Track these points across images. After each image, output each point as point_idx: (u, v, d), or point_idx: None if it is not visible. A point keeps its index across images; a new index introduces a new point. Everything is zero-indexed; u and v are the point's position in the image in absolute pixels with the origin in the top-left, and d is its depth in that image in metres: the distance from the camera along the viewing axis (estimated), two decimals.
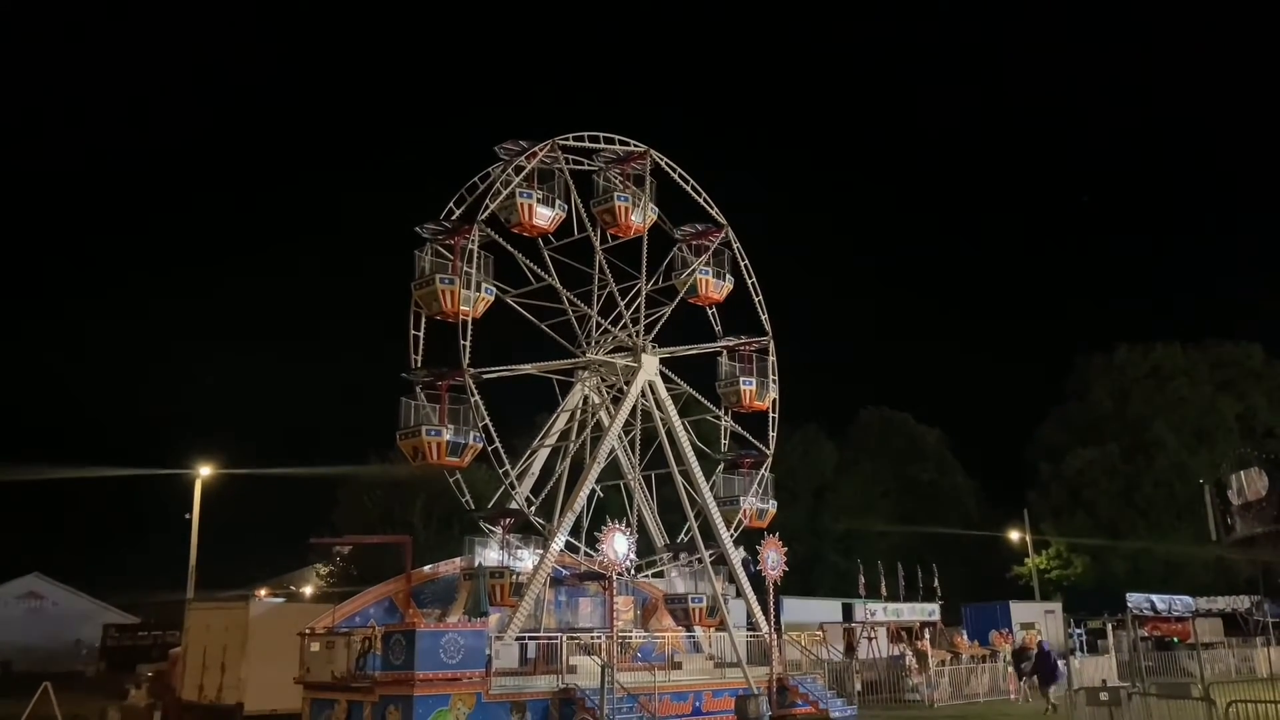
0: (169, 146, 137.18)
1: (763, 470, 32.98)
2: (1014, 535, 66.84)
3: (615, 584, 25.89)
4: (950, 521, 68.22)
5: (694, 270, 32.97)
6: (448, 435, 27.45)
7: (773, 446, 33.30)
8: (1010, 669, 37.73)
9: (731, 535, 31.34)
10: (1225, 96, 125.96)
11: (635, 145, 31.86)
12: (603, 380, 31.87)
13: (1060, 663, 32.00)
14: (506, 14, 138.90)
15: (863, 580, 43.69)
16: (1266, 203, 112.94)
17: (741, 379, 33.03)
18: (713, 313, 34.13)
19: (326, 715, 23.49)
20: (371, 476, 55.73)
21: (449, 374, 27.68)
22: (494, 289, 29.69)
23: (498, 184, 29.65)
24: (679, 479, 31.11)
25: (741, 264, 33.79)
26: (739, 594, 31.42)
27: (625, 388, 30.87)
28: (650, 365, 31.07)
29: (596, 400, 31.70)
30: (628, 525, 26.74)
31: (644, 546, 30.43)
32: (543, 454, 31.01)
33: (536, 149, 30.12)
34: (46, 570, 65.78)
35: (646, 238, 31.89)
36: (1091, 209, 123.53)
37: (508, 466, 28.13)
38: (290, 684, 24.40)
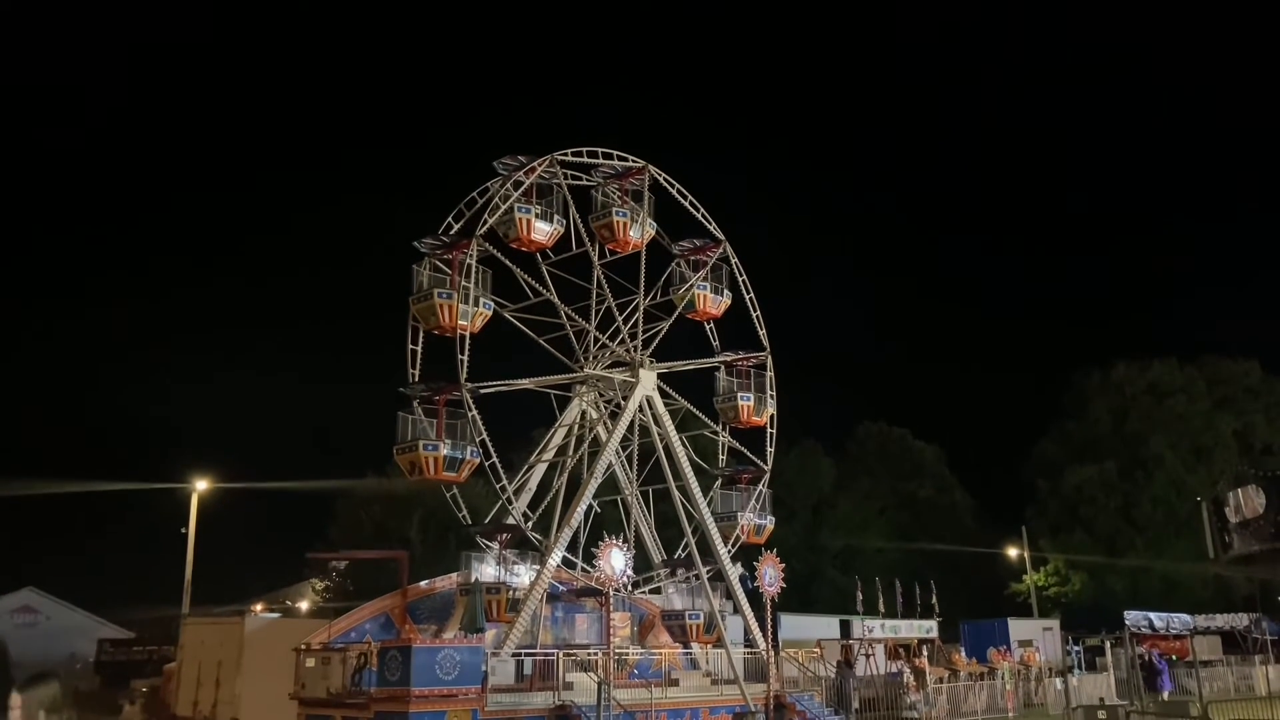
0: (163, 148, 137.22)
1: (760, 486, 32.96)
2: (1012, 552, 66.77)
3: (612, 600, 25.80)
4: (948, 538, 68.06)
5: (692, 285, 33.01)
6: (445, 450, 27.44)
7: (770, 462, 33.30)
8: (1009, 686, 37.65)
9: (729, 551, 31.30)
10: (1225, 109, 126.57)
11: (634, 161, 31.96)
12: (600, 395, 31.88)
13: (1165, 675, 32.26)
14: (507, 26, 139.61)
15: (860, 597, 43.58)
16: (1265, 219, 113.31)
17: (739, 394, 33.05)
18: (711, 328, 34.16)
19: None
20: (368, 491, 55.64)
21: (446, 388, 27.71)
22: (492, 304, 29.73)
23: (496, 199, 29.74)
24: (676, 494, 31.07)
25: (739, 279, 33.86)
26: (736, 610, 31.35)
27: (623, 403, 30.87)
28: (648, 380, 31.08)
29: (594, 415, 31.70)
30: (625, 541, 26.66)
31: (641, 562, 30.36)
32: (540, 469, 31.00)
33: (535, 164, 30.23)
34: (41, 584, 65.46)
35: (645, 253, 31.97)
36: (1080, 210, 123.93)
37: (505, 481, 28.11)
38: (285, 700, 24.32)
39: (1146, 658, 33.90)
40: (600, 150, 31.50)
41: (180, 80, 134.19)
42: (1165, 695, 31.25)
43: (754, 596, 30.36)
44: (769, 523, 33.26)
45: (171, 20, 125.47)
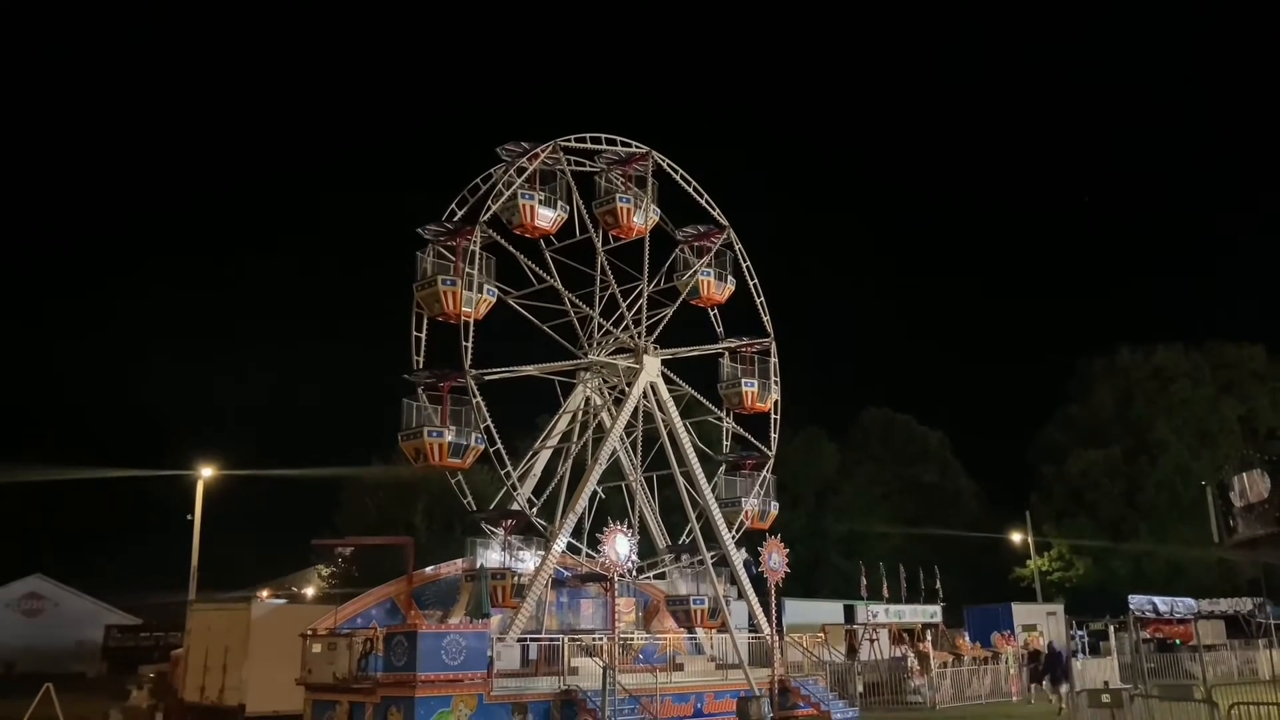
0: (165, 141, 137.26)
1: (764, 472, 32.96)
2: (1016, 537, 66.82)
3: (617, 585, 25.87)
4: (952, 523, 68.16)
5: (696, 271, 32.97)
6: (449, 436, 27.46)
7: (774, 448, 33.28)
8: (1012, 671, 37.74)
9: (733, 537, 31.32)
10: (1230, 96, 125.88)
11: (637, 146, 31.85)
12: (604, 381, 31.87)
13: (1076, 662, 32.04)
14: (507, 12, 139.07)
15: (865, 582, 43.65)
16: (1270, 203, 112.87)
17: (743, 380, 33.02)
18: (714, 314, 34.12)
19: (328, 716, 23.49)
20: (373, 478, 55.82)
21: (451, 375, 27.69)
22: (496, 290, 29.70)
23: (500, 185, 29.67)
24: (681, 480, 31.09)
25: (743, 265, 33.79)
26: (741, 595, 31.41)
27: (627, 389, 30.85)
28: (652, 366, 31.06)
29: (598, 401, 31.70)
30: (629, 526, 26.70)
31: (646, 548, 30.40)
32: (544, 455, 31.00)
33: (538, 150, 30.13)
34: (48, 571, 65.87)
35: (648, 239, 31.88)
36: (1092, 209, 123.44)
37: (509, 468, 28.12)
38: (292, 685, 24.40)
39: (1045, 647, 33.48)
40: (604, 136, 31.39)
41: (185, 83, 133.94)
42: (1064, 689, 30.98)
43: (758, 582, 30.40)
44: (773, 508, 33.28)
45: (176, 24, 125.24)
